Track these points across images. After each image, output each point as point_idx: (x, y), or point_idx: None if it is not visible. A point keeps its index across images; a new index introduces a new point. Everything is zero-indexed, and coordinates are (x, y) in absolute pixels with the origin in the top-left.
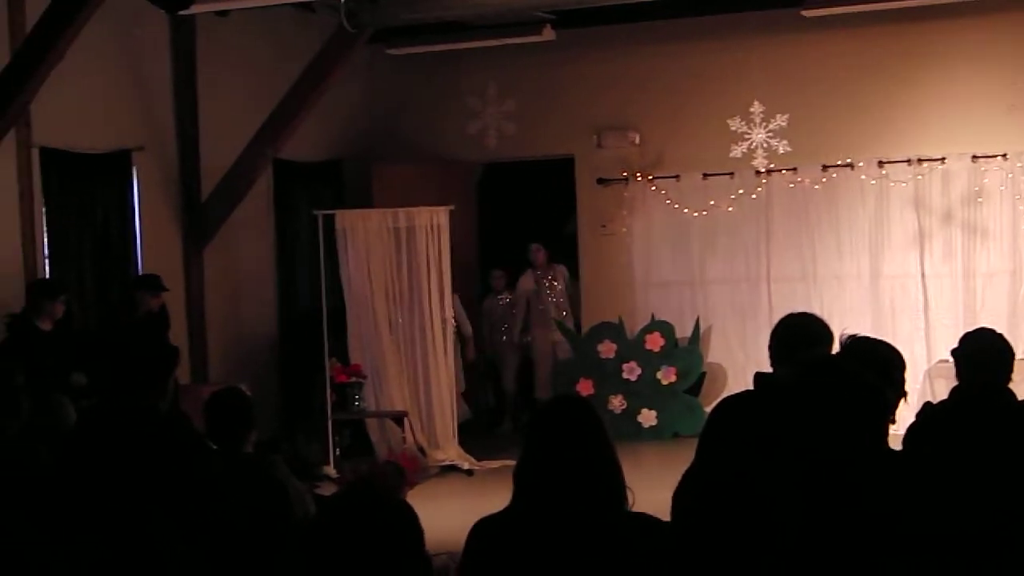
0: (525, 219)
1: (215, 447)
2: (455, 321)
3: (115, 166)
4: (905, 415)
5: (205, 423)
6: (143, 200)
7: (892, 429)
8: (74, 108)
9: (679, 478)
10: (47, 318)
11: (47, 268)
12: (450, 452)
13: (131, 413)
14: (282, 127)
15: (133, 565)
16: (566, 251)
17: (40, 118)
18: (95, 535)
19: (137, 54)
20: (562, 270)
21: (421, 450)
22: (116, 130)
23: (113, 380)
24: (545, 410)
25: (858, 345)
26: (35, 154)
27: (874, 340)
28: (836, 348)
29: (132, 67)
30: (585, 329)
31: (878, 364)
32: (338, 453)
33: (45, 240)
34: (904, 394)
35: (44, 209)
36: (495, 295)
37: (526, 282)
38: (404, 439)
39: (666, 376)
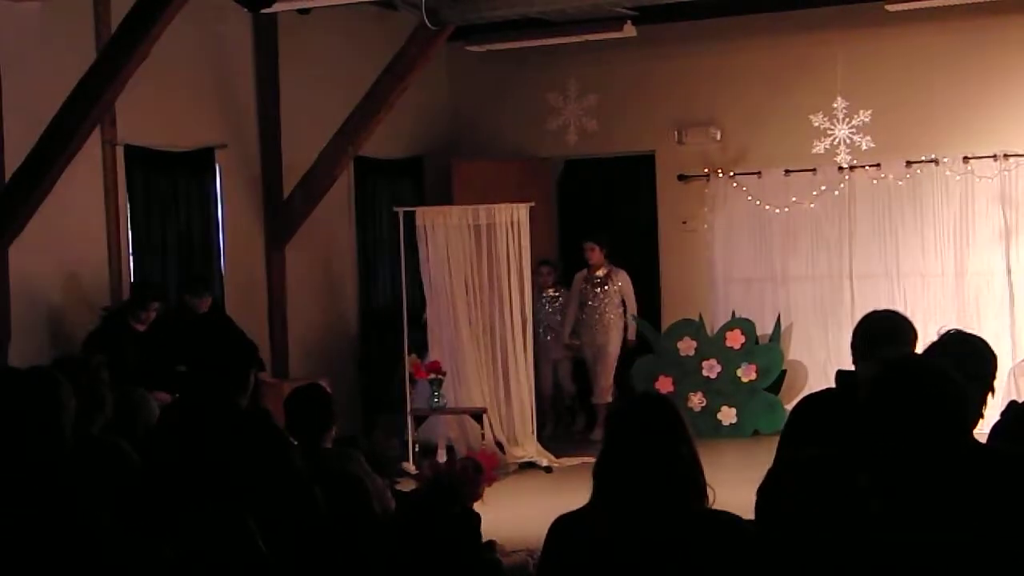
0: (605, 216)
1: (295, 442)
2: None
3: (198, 164)
4: (990, 413)
5: (286, 418)
6: (225, 198)
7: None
8: (158, 106)
9: (759, 476)
10: (141, 321)
11: (131, 265)
12: (529, 449)
13: (212, 409)
14: (363, 124)
15: (215, 563)
16: (646, 247)
17: (125, 116)
18: (178, 533)
19: (220, 52)
20: (622, 275)
21: (500, 447)
22: (199, 128)
23: (193, 377)
24: (626, 407)
25: (952, 339)
26: (119, 152)
27: (968, 334)
28: (920, 346)
29: (215, 65)
30: (665, 326)
31: (971, 358)
32: (417, 449)
33: (130, 237)
34: (992, 390)
35: (128, 206)
36: (540, 292)
37: (577, 281)
38: (483, 436)
39: (746, 374)
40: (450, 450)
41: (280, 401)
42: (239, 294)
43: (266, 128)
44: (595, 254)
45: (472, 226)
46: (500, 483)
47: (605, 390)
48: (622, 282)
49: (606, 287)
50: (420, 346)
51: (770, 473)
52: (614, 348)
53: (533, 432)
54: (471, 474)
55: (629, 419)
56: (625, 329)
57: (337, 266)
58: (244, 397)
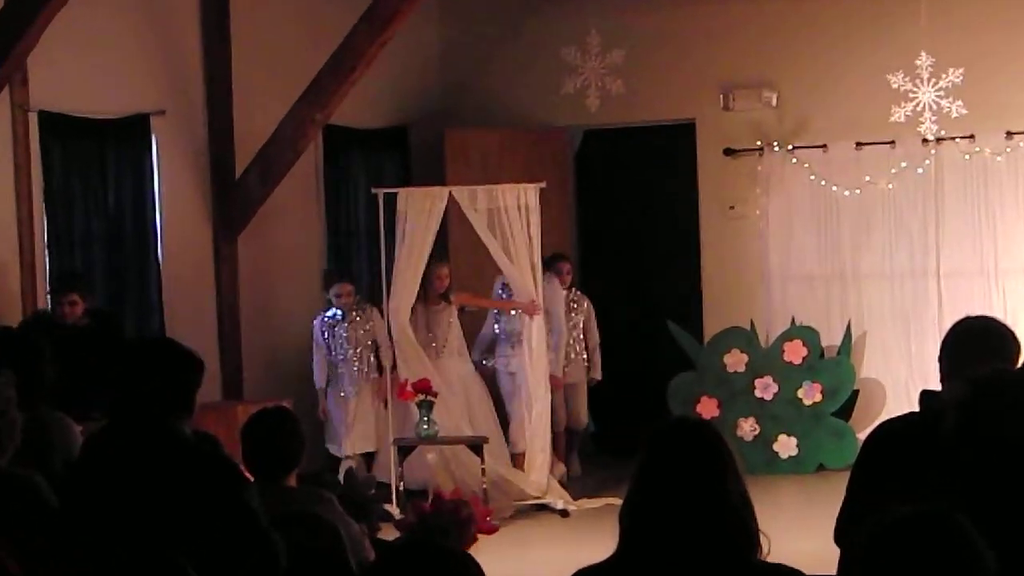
0: (633, 199)
1: (252, 479)
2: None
3: (130, 134)
4: None
5: (242, 450)
6: (164, 176)
7: None
8: (80, 65)
9: (824, 521)
10: (61, 321)
11: (46, 258)
12: (543, 487)
13: (147, 437)
14: (334, 86)
15: None
16: (684, 239)
17: (39, 76)
18: None
19: (159, 2)
20: (586, 305)
21: (504, 484)
22: (132, 92)
23: (124, 395)
24: (660, 437)
25: None
26: (32, 119)
27: None
28: None
29: (151, 14)
30: (708, 336)
31: None
32: (402, 487)
33: (44, 222)
34: None
35: (43, 184)
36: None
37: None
38: (483, 471)
39: (809, 395)
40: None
41: (233, 428)
42: (181, 295)
43: (214, 90)
44: (566, 270)
45: (470, 212)
46: (508, 529)
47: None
48: (585, 314)
49: (576, 309)
50: None
51: (840, 520)
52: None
53: (550, 465)
54: (462, 520)
55: (664, 451)
56: (587, 367)
57: (303, 260)
58: (188, 421)
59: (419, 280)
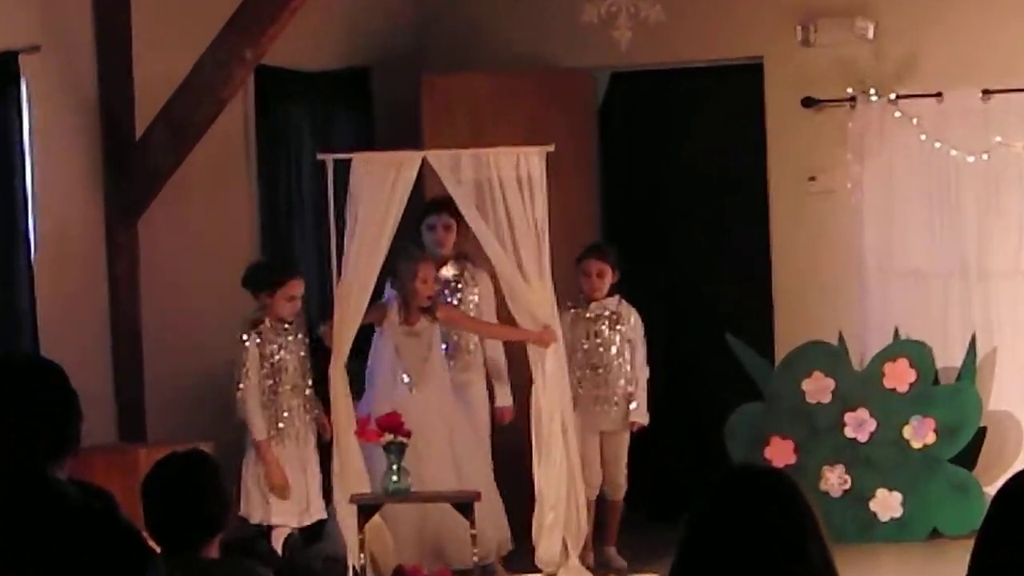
0: (678, 166)
1: (159, 549)
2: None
3: None
4: None
5: (144, 510)
6: (38, 135)
7: None
8: None
9: None
10: None
11: None
12: (554, 560)
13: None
14: (270, 14)
15: None
16: (747, 218)
17: None
18: None
19: None
20: (633, 321)
21: (506, 559)
22: None
23: None
24: (716, 492)
25: None
26: None
27: None
28: None
29: None
30: (779, 353)
31: None
32: (363, 560)
33: None
34: None
35: None
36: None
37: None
38: (474, 540)
39: (919, 434)
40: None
41: (132, 480)
42: (60, 298)
43: (106, 20)
44: (604, 276)
45: (452, 185)
46: None
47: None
48: (631, 334)
49: (617, 326)
50: (362, 381)
51: None
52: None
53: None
54: None
55: (723, 511)
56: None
57: (226, 251)
58: (62, 467)
59: (371, 283)
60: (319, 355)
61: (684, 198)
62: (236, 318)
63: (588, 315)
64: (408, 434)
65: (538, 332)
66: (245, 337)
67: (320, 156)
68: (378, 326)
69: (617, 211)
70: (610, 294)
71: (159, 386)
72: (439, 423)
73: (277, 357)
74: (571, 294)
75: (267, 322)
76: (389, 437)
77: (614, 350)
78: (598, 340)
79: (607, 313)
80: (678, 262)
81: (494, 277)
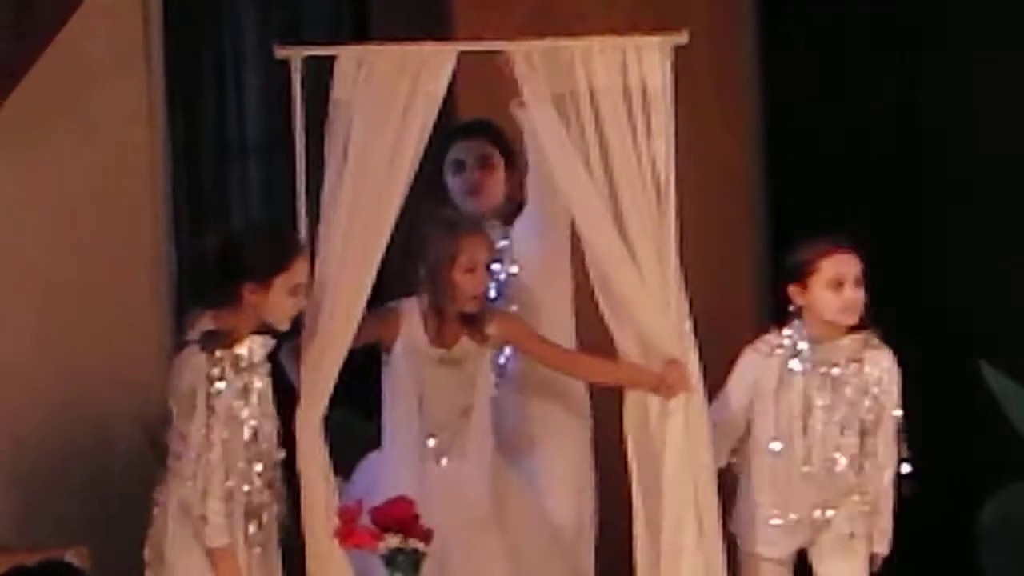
0: (893, 80)
1: None
2: None
3: None
4: None
5: None
6: None
7: None
8: None
9: None
10: None
11: None
12: None
13: None
14: None
15: None
16: (1010, 183)
17: None
18: None
19: None
20: (882, 372)
21: None
22: None
23: None
24: None
25: None
26: None
27: None
28: None
29: None
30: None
31: None
32: None
33: None
34: None
35: None
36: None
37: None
38: None
39: None
40: None
41: None
42: None
43: None
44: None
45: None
46: None
47: None
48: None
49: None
50: (364, 441)
51: None
52: None
53: None
54: None
55: None
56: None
57: (113, 213)
58: None
59: (372, 271)
60: (280, 396)
61: (906, 132)
62: (131, 334)
63: (802, 361)
64: (427, 536)
65: (655, 373)
66: (214, 374)
67: (280, 52)
68: (386, 348)
69: (789, 149)
70: (855, 328)
71: (6, 455)
72: (487, 517)
73: (245, 412)
74: (726, 303)
75: (234, 347)
76: (393, 541)
77: (838, 425)
78: (826, 404)
79: (841, 359)
80: (894, 242)
81: (580, 257)
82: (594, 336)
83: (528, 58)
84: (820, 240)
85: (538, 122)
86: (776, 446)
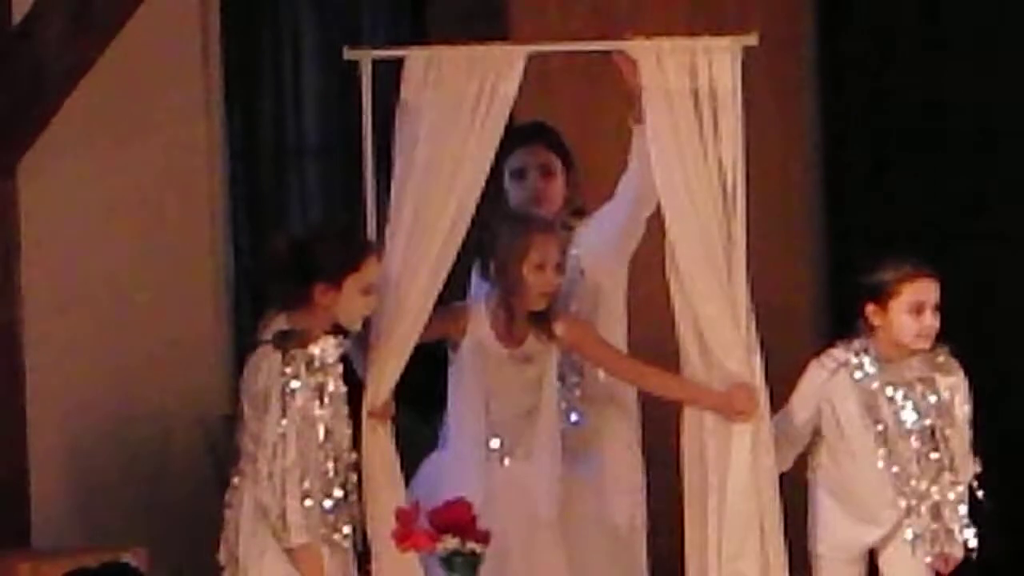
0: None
1: None
2: None
3: None
4: None
5: None
6: None
7: None
8: None
9: None
10: None
11: None
12: None
13: None
14: None
15: None
16: None
17: None
18: None
19: None
20: (951, 394)
21: None
22: None
23: None
24: None
25: None
26: None
27: None
28: None
29: None
30: None
31: None
32: None
33: None
34: None
35: None
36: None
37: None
38: None
39: None
40: None
41: None
42: None
43: None
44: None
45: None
46: None
47: None
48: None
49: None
50: (420, 441)
51: None
52: None
53: None
54: None
55: None
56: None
57: (171, 212)
58: None
59: (444, 269)
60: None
61: (983, 124)
62: (190, 336)
63: (871, 378)
64: (485, 538)
65: (720, 393)
66: (288, 373)
67: (349, 53)
68: (453, 346)
69: (847, 152)
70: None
71: (50, 453)
72: (550, 519)
73: (319, 412)
74: (783, 303)
75: (308, 347)
76: (452, 543)
77: (908, 438)
78: (896, 419)
79: (912, 377)
80: (965, 239)
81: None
82: (643, 348)
83: (656, 55)
84: (902, 262)
85: (659, 120)
86: (847, 457)
